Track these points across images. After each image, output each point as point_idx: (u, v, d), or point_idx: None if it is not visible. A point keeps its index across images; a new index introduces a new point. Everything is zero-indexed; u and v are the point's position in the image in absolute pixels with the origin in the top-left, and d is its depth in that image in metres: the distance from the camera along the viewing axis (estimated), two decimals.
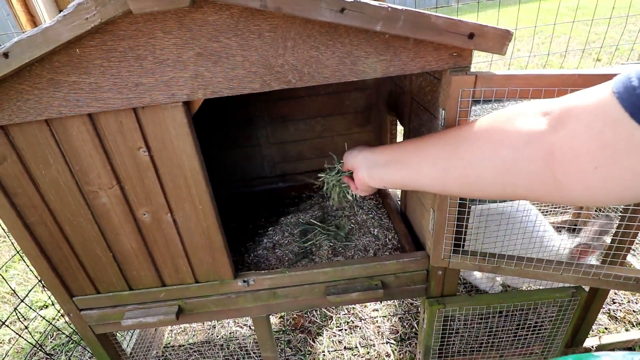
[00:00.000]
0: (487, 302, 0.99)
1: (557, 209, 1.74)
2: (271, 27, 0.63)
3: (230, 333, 1.57)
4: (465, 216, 0.82)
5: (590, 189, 0.43)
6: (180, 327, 1.61)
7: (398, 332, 1.49)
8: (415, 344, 1.43)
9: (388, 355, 1.40)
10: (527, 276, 0.85)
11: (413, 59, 0.68)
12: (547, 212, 1.69)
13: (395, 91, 1.19)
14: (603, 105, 0.40)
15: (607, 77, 0.63)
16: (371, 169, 0.71)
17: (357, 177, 0.76)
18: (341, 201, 0.94)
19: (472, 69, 0.70)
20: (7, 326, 1.08)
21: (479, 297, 1.00)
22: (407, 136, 1.08)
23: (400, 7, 0.61)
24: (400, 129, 1.21)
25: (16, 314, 1.44)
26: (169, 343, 1.55)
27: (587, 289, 1.07)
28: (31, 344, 1.30)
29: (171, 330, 1.60)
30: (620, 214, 0.85)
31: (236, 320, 1.62)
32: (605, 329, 1.42)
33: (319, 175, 0.95)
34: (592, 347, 1.28)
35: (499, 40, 0.65)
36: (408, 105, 1.02)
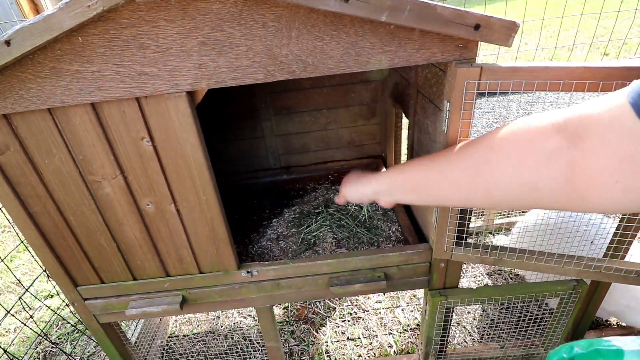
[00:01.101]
0: (489, 295, 0.99)
1: None
2: (275, 16, 0.63)
3: (234, 323, 1.58)
4: (468, 209, 0.82)
5: (612, 201, 0.43)
6: (185, 318, 1.63)
7: (400, 323, 1.50)
8: (417, 335, 1.44)
9: (390, 346, 1.41)
10: (528, 269, 0.85)
11: (418, 50, 0.68)
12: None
13: (400, 83, 1.18)
14: (618, 115, 0.39)
15: (614, 70, 0.62)
16: (392, 196, 0.74)
17: (383, 202, 0.79)
18: None
19: (479, 62, 0.69)
20: (13, 315, 1.09)
21: (480, 289, 1.00)
22: (412, 129, 1.07)
23: None
24: (405, 122, 1.21)
25: (21, 303, 1.46)
26: (174, 333, 1.56)
27: (588, 281, 1.07)
28: (37, 332, 1.31)
29: (175, 320, 1.62)
30: None
31: (240, 311, 1.63)
32: (606, 320, 1.42)
33: None
34: None
35: (505, 31, 0.64)
36: (414, 97, 1.01)
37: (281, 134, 1.48)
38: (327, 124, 1.48)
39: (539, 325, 1.10)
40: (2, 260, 1.02)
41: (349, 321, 1.54)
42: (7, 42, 0.58)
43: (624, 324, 1.39)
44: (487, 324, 1.39)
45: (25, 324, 1.08)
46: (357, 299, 1.64)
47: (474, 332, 1.38)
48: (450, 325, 1.06)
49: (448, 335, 1.09)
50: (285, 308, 1.63)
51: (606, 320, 1.42)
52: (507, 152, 0.52)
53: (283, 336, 1.50)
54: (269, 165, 1.55)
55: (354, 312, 1.59)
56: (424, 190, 0.66)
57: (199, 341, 1.51)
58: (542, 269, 0.83)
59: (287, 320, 1.57)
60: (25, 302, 1.72)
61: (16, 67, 0.64)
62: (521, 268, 0.84)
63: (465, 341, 1.36)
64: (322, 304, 1.63)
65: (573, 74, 0.62)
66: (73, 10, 0.57)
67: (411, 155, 1.13)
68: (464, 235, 0.87)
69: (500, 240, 1.65)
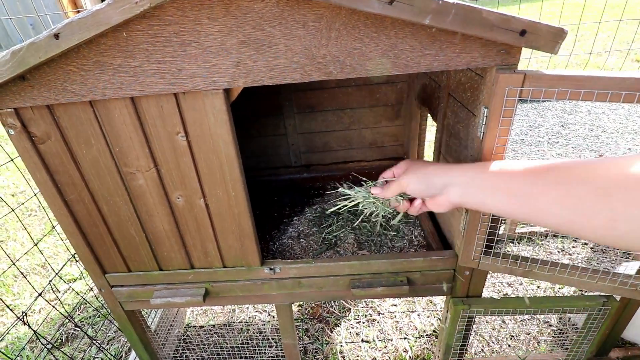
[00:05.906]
0: (513, 306, 0.97)
1: None
2: (316, 16, 0.63)
3: (249, 317, 1.60)
4: (500, 218, 0.81)
5: None
6: (201, 309, 1.65)
7: (416, 328, 1.49)
8: (434, 341, 1.42)
9: (406, 351, 1.40)
10: (560, 282, 0.83)
11: (459, 54, 0.66)
12: None
13: (429, 85, 1.16)
14: None
15: None
16: (468, 189, 0.62)
17: (441, 196, 0.66)
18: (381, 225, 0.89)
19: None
20: (42, 296, 1.13)
21: (505, 300, 0.98)
22: (441, 132, 1.06)
23: (451, 1, 0.59)
24: (430, 123, 1.19)
25: (51, 287, 1.50)
26: (190, 323, 1.59)
27: (618, 298, 1.04)
28: (63, 315, 1.36)
29: (192, 311, 1.64)
30: None
31: (255, 306, 1.65)
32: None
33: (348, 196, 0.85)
34: (617, 358, 1.25)
35: (552, 38, 0.62)
36: (444, 101, 1.00)
37: (304, 132, 1.49)
38: (350, 123, 1.47)
39: (562, 340, 1.07)
40: (36, 245, 1.05)
41: (363, 323, 1.54)
42: (56, 36, 0.60)
43: None
44: (506, 334, 1.36)
45: (54, 307, 1.12)
46: (372, 301, 1.63)
47: (493, 342, 1.36)
48: (470, 334, 1.04)
49: (467, 345, 1.08)
50: (300, 305, 1.64)
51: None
52: None
53: (297, 334, 1.51)
54: (289, 163, 1.56)
55: (369, 314, 1.58)
56: (521, 198, 0.55)
57: (214, 333, 1.53)
58: (574, 283, 0.81)
59: (302, 317, 1.58)
60: (54, 285, 1.77)
61: (62, 60, 0.65)
62: (552, 281, 0.82)
63: (482, 351, 1.34)
64: (337, 303, 1.63)
65: (622, 84, 0.60)
66: (121, 6, 0.58)
67: (437, 159, 1.11)
68: (493, 245, 0.86)
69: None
